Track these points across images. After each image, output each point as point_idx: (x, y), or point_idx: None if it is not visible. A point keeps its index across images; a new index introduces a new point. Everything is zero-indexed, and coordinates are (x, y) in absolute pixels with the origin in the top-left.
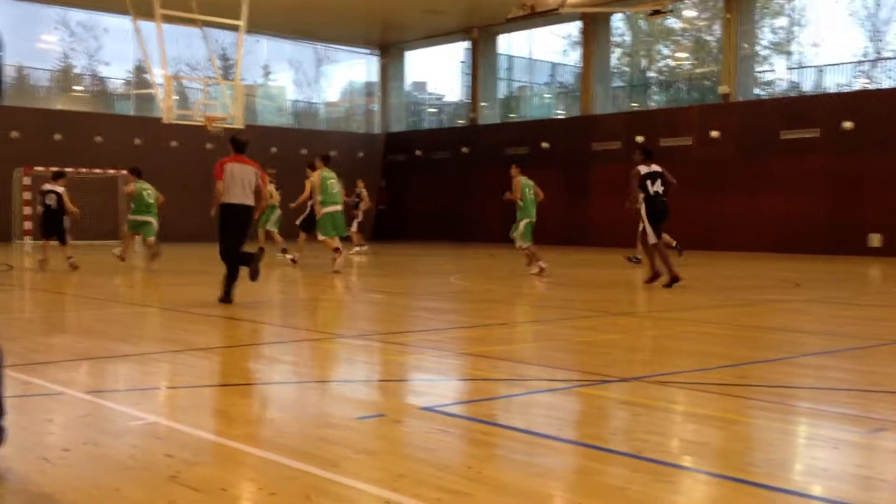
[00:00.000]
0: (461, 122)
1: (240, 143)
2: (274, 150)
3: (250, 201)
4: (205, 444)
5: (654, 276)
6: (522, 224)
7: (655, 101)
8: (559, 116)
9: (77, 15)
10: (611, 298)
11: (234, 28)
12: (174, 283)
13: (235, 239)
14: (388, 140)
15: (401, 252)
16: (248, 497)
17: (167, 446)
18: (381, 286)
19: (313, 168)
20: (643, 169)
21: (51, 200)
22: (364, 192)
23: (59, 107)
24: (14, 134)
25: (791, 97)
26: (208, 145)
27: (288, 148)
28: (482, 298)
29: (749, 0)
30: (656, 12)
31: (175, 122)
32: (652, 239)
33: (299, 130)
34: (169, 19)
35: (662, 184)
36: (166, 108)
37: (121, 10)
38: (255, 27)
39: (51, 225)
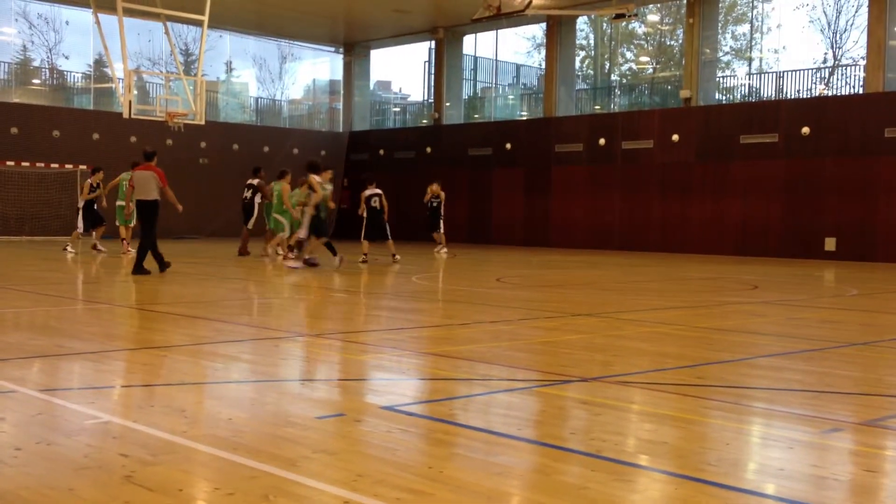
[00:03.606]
0: (425, 121)
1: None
2: (236, 146)
3: None
4: (161, 444)
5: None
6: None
7: (618, 104)
8: (523, 118)
9: (38, 7)
10: (571, 299)
11: (198, 23)
12: (130, 279)
13: None
14: (352, 139)
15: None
16: (205, 497)
17: (122, 446)
18: (343, 285)
19: (316, 171)
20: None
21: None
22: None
23: (16, 100)
24: None
25: (751, 102)
26: (169, 141)
27: (250, 145)
28: (444, 298)
29: (712, 6)
30: (620, 16)
31: (135, 117)
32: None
33: (262, 127)
34: (131, 13)
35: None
36: (126, 103)
37: (82, 2)
38: (219, 22)
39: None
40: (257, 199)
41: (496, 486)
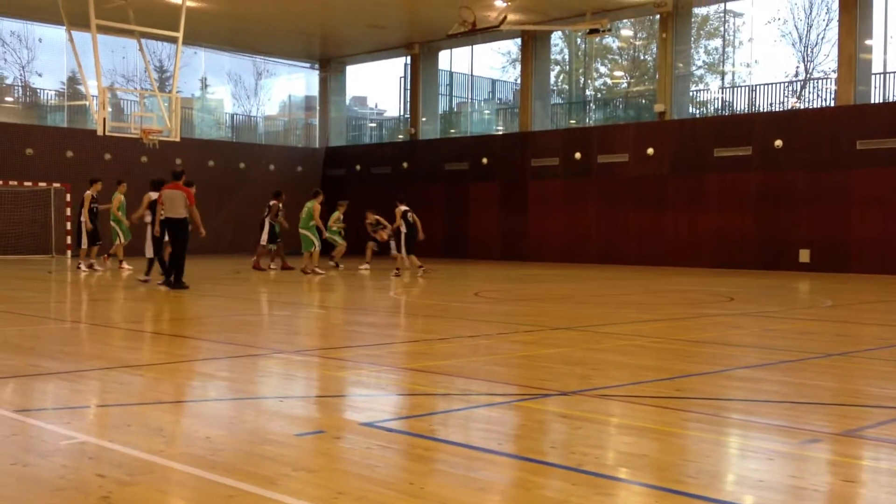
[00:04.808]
0: (401, 137)
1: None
2: (211, 163)
3: None
4: (138, 464)
5: None
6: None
7: (593, 118)
8: (499, 132)
9: (10, 24)
10: (549, 313)
11: (172, 40)
12: (106, 298)
13: None
14: (328, 154)
15: (345, 267)
16: None
17: (99, 466)
18: (320, 301)
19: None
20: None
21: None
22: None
23: None
24: None
25: (724, 116)
26: (143, 158)
27: (226, 161)
28: (422, 313)
29: (685, 21)
30: (594, 31)
31: (110, 134)
32: None
33: (238, 144)
34: (104, 30)
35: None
36: (101, 121)
37: (55, 20)
38: (193, 39)
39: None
40: (269, 218)
41: (477, 501)
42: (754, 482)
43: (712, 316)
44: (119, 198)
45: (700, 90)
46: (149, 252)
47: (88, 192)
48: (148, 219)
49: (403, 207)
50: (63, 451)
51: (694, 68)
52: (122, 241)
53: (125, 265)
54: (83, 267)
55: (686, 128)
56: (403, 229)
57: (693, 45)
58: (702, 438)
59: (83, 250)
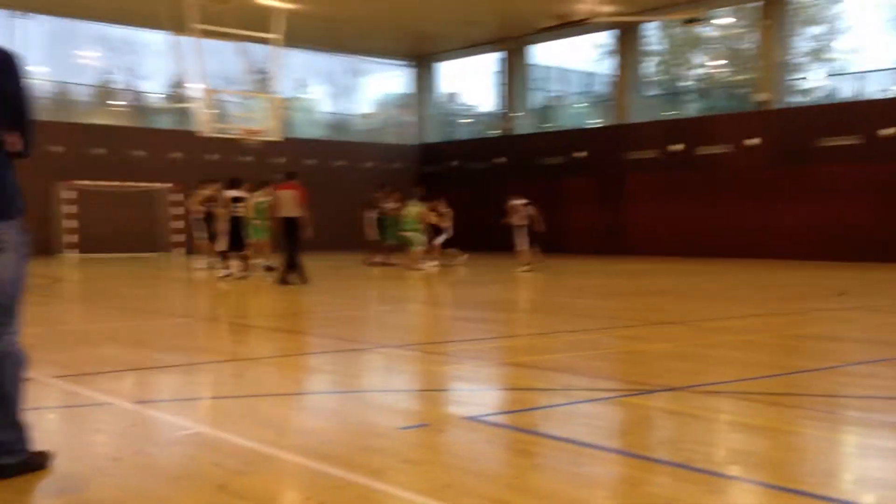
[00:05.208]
0: (495, 132)
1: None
2: (310, 162)
3: None
4: (251, 454)
5: None
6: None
7: (691, 109)
8: (593, 125)
9: (117, 31)
10: (652, 308)
11: (271, 42)
12: (217, 294)
13: None
14: (423, 151)
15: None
16: None
17: (214, 456)
18: (422, 297)
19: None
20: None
21: (238, 209)
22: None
23: (99, 121)
24: (55, 148)
25: (830, 104)
26: (246, 158)
27: (323, 160)
28: (523, 308)
29: (786, 7)
30: (692, 20)
31: (213, 135)
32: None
33: (335, 142)
34: (207, 34)
35: None
36: (204, 122)
37: (160, 25)
38: (291, 41)
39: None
40: (374, 213)
41: (583, 496)
42: (872, 480)
43: (823, 310)
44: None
45: (802, 78)
46: (221, 246)
47: (231, 192)
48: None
49: (521, 201)
50: (180, 442)
51: (796, 55)
52: (258, 239)
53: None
54: (232, 270)
55: (789, 117)
56: (522, 223)
57: (795, 32)
58: (816, 436)
59: (210, 245)
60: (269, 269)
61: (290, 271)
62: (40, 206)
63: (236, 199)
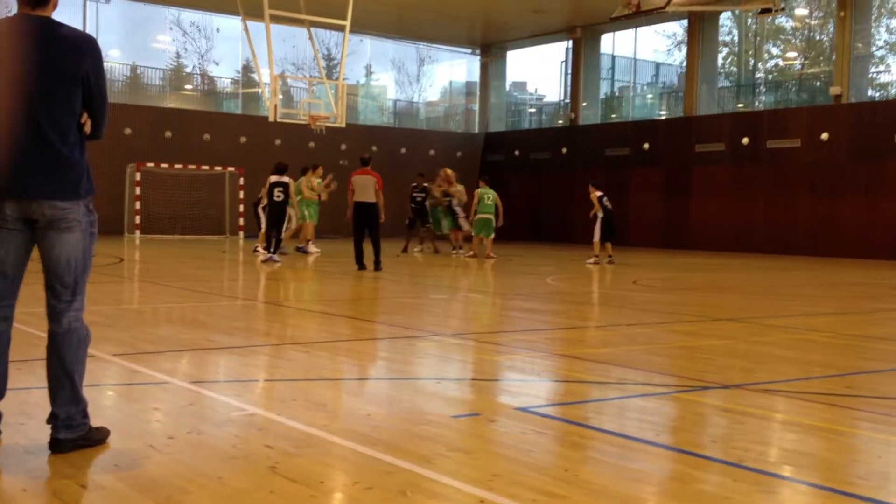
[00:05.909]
0: (561, 122)
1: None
2: (374, 148)
3: None
4: (303, 437)
5: None
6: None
7: (763, 101)
8: (662, 117)
9: (190, 15)
10: (712, 303)
11: (339, 28)
12: (278, 277)
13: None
14: (487, 140)
15: (497, 252)
16: (345, 490)
17: (267, 437)
18: (478, 286)
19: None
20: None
21: (280, 194)
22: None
23: (170, 105)
24: (127, 131)
25: None
26: (311, 143)
27: (389, 146)
28: (579, 300)
29: None
30: (766, 10)
31: (280, 120)
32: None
33: (400, 129)
34: (277, 19)
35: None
36: (272, 107)
37: (232, 10)
38: (359, 27)
39: (278, 217)
40: (427, 201)
41: (632, 491)
42: None
43: (891, 311)
44: (313, 181)
45: (881, 72)
46: (265, 228)
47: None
48: (265, 202)
49: (599, 192)
50: (234, 422)
51: (874, 48)
52: (309, 221)
53: (312, 247)
54: (306, 247)
55: (865, 111)
56: (601, 214)
57: (873, 25)
58: (873, 439)
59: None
60: (302, 251)
61: (361, 259)
62: (112, 187)
63: (276, 185)
